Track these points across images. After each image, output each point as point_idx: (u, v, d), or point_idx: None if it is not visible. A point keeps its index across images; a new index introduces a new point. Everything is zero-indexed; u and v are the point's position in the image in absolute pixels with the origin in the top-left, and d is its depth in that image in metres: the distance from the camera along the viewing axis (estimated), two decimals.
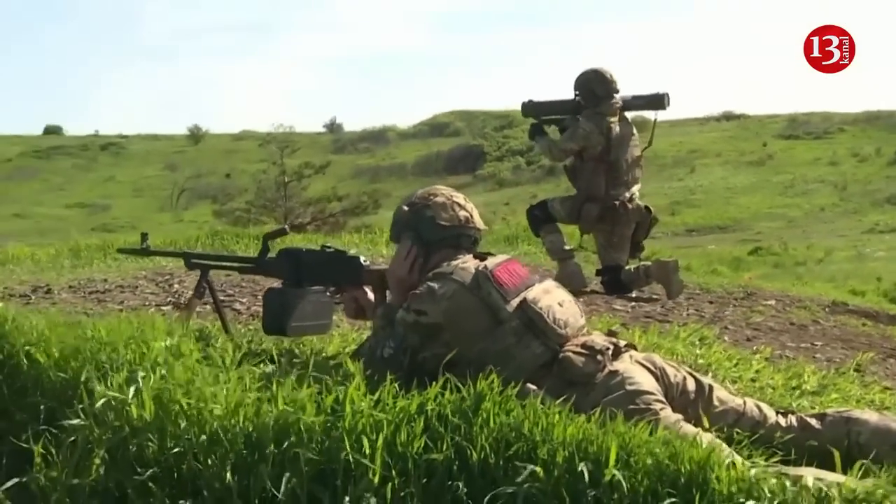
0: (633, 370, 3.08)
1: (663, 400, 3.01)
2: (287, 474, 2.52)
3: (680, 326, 5.07)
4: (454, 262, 3.25)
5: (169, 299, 5.27)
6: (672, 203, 36.39)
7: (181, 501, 2.58)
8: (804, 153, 46.08)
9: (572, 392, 2.90)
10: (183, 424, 2.70)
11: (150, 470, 2.64)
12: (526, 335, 3.11)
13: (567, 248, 6.85)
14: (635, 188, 6.74)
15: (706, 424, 3.00)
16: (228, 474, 2.58)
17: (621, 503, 2.38)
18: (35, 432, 2.90)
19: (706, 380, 3.27)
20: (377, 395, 2.69)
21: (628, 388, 2.98)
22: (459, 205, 3.44)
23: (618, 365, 3.09)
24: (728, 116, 58.79)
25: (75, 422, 2.81)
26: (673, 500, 2.36)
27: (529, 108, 6.96)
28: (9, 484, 2.83)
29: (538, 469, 2.45)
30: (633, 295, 6.65)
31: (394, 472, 2.50)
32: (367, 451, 2.53)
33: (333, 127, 70.85)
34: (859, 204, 34.70)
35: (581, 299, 6.02)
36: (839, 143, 47.41)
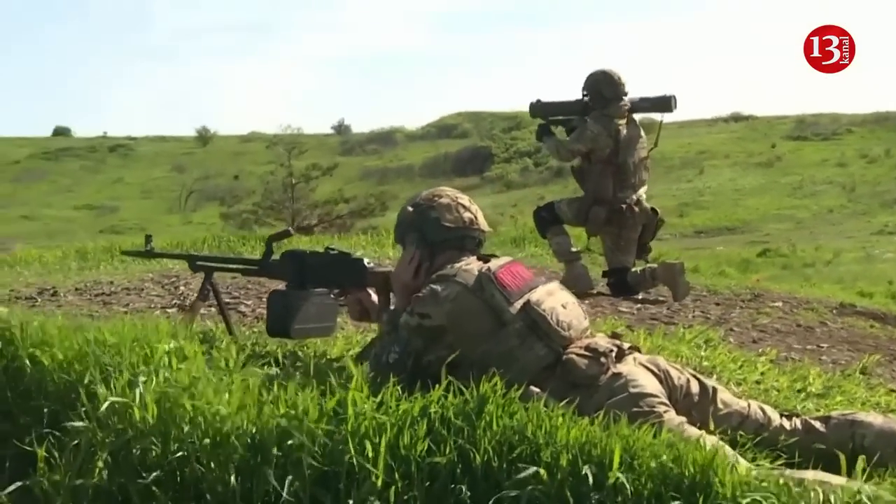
0: (637, 372, 3.07)
1: (667, 402, 3.00)
2: (290, 477, 2.52)
3: (685, 328, 5.05)
4: (457, 265, 3.25)
5: (174, 301, 5.27)
6: (680, 204, 36.30)
7: None
8: (812, 154, 45.92)
9: (576, 394, 2.90)
10: (186, 427, 2.70)
11: (154, 473, 2.65)
12: (529, 337, 3.11)
13: (574, 249, 6.84)
14: (642, 190, 6.73)
15: (710, 427, 2.99)
16: (231, 477, 2.58)
17: None
18: (38, 435, 2.90)
19: (710, 382, 3.27)
20: (380, 397, 2.69)
21: (632, 390, 2.97)
22: (464, 206, 3.44)
23: (621, 367, 3.08)
24: (736, 118, 58.62)
25: (78, 425, 2.82)
26: (677, 503, 2.36)
27: (537, 108, 6.95)
28: (12, 487, 2.84)
29: (542, 472, 2.45)
30: (640, 297, 6.64)
31: (397, 476, 2.51)
32: (370, 455, 2.54)
33: (341, 128, 70.91)
34: (868, 205, 34.56)
35: (587, 301, 6.03)
36: (848, 144, 47.24)
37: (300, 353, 3.71)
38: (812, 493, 2.38)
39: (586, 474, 2.42)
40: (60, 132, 75.39)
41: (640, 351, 3.30)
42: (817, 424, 3.09)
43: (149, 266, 6.90)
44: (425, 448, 2.56)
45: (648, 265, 6.79)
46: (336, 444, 2.58)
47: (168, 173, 58.52)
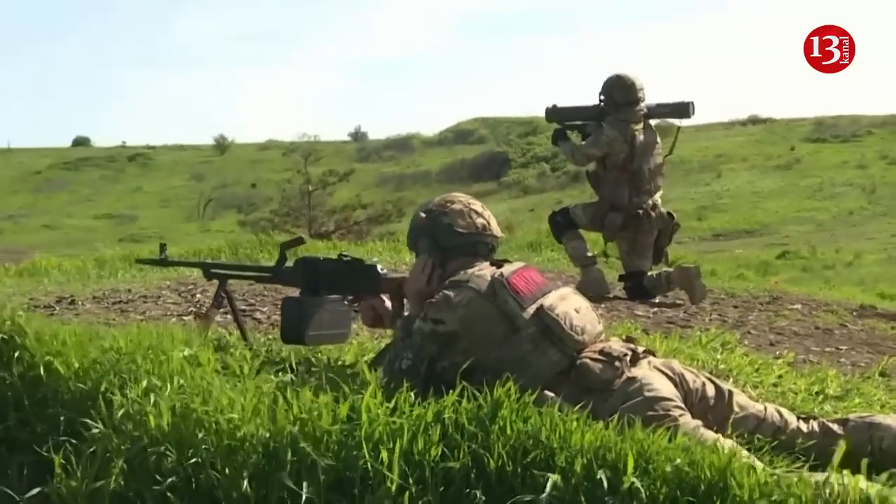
0: (652, 376, 3.05)
1: (682, 406, 2.98)
2: (304, 483, 2.53)
3: (702, 332, 5.03)
4: (470, 270, 3.24)
5: (190, 309, 5.29)
6: (699, 208, 36.18)
7: None
8: (832, 156, 45.69)
9: (590, 399, 2.88)
10: (200, 434, 2.71)
11: (169, 479, 2.66)
12: (543, 342, 3.09)
13: (590, 254, 6.83)
14: (657, 195, 6.72)
15: (727, 430, 2.97)
16: (246, 483, 2.59)
17: None
18: (55, 443, 2.92)
19: (726, 385, 3.25)
20: (393, 402, 2.69)
21: (647, 394, 2.96)
22: (477, 212, 3.43)
23: (636, 371, 3.06)
24: (754, 120, 58.37)
25: (95, 432, 2.84)
26: None
27: (553, 112, 6.95)
28: (31, 493, 2.86)
29: (556, 477, 2.44)
30: (657, 300, 6.61)
31: (411, 481, 2.50)
32: (385, 460, 2.53)
33: (358, 135, 71.02)
34: (888, 207, 34.32)
35: (603, 305, 6.02)
36: (867, 145, 46.95)
37: (314, 360, 3.71)
38: (829, 496, 2.37)
39: (601, 479, 2.41)
40: (80, 142, 75.91)
41: (654, 354, 3.29)
42: (835, 427, 3.07)
43: (166, 274, 6.93)
44: (439, 453, 2.56)
45: (664, 269, 6.77)
46: (350, 449, 2.58)
47: (186, 182, 58.77)
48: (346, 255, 3.73)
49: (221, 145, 68.23)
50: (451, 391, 2.75)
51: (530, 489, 2.45)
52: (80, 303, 5.65)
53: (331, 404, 2.69)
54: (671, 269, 6.72)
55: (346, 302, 3.67)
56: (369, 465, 2.53)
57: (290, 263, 3.84)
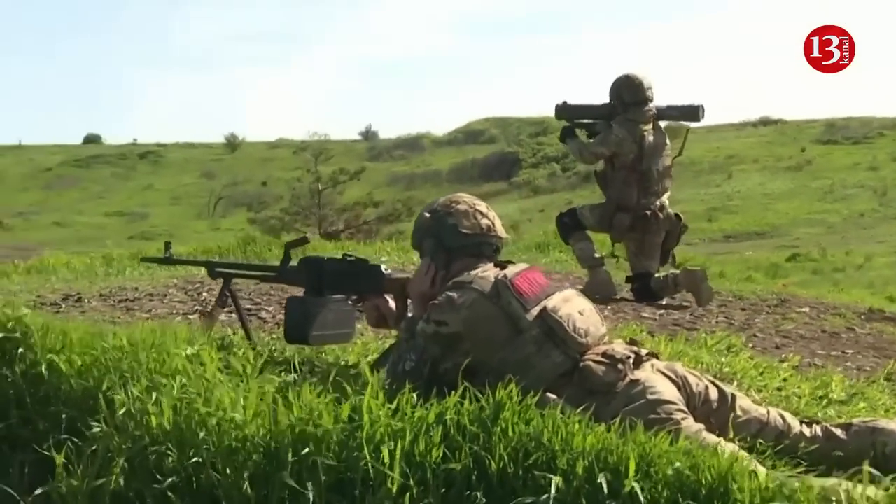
0: (655, 379, 3.04)
1: (685, 409, 2.97)
2: (306, 483, 2.52)
3: (707, 334, 5.01)
4: (474, 272, 3.23)
5: (196, 308, 5.30)
6: (709, 209, 36.10)
7: None
8: (843, 158, 45.53)
9: (592, 401, 2.88)
10: (202, 434, 2.71)
11: (170, 479, 2.67)
12: (546, 344, 3.09)
13: (597, 255, 6.80)
14: (665, 197, 6.69)
15: (729, 434, 2.96)
16: (247, 484, 2.59)
17: None
18: (57, 441, 2.92)
19: (729, 389, 3.24)
20: (395, 404, 2.68)
21: (649, 397, 2.95)
22: (481, 213, 3.43)
23: (639, 374, 3.06)
24: (765, 121, 58.20)
25: (96, 431, 2.84)
26: None
27: (563, 109, 6.93)
28: (35, 493, 2.86)
29: (557, 479, 2.43)
30: (664, 302, 6.60)
31: (412, 482, 2.50)
32: (386, 461, 2.53)
33: (368, 134, 71.07)
34: None
35: (609, 307, 6.00)
36: (879, 147, 46.77)
37: (316, 360, 3.71)
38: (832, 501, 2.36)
39: (602, 482, 2.41)
40: (91, 139, 76.11)
41: (658, 357, 3.28)
42: (838, 432, 3.05)
43: (173, 272, 6.95)
44: (441, 454, 2.55)
45: (671, 271, 6.75)
46: (351, 450, 2.58)
47: (197, 180, 58.88)
48: (350, 255, 3.73)
49: (232, 143, 68.33)
50: (453, 392, 2.74)
51: (532, 491, 2.45)
52: (86, 300, 5.66)
53: (332, 405, 2.69)
54: (678, 272, 6.70)
55: (349, 302, 3.67)
56: (370, 465, 2.53)
57: (294, 263, 3.84)
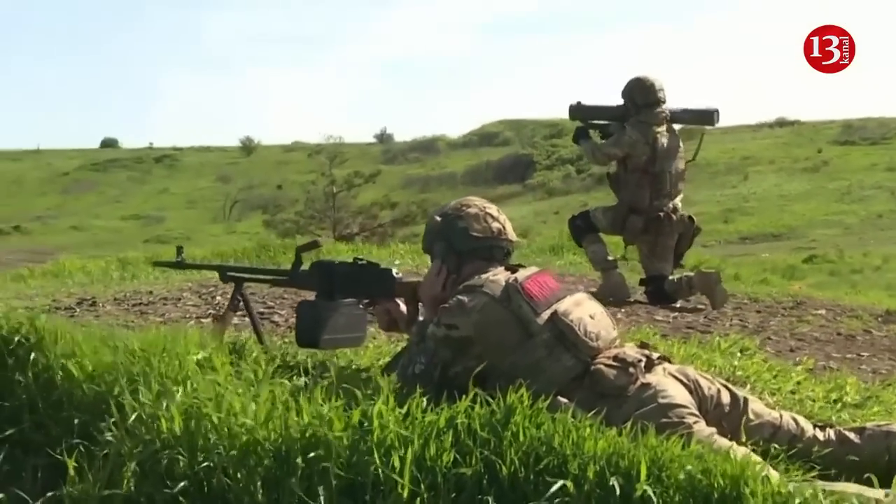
0: (666, 383, 3.03)
1: (697, 413, 2.96)
2: (316, 488, 2.52)
3: (721, 337, 4.98)
4: (484, 275, 3.23)
5: (209, 311, 5.30)
6: (725, 211, 35.99)
7: None
8: (860, 159, 45.31)
9: (604, 405, 2.87)
10: (213, 438, 2.71)
11: (181, 484, 2.67)
12: (557, 348, 3.08)
13: (610, 258, 6.79)
14: (678, 199, 6.67)
15: (742, 438, 2.94)
16: (258, 488, 2.59)
17: None
18: (69, 446, 2.93)
19: (741, 392, 3.22)
20: (405, 408, 2.68)
21: (661, 400, 2.94)
22: (492, 216, 3.42)
23: (650, 377, 3.04)
24: (781, 123, 58.00)
25: (107, 435, 2.84)
26: None
27: (577, 110, 6.92)
28: (48, 496, 2.87)
29: (569, 484, 2.42)
30: (678, 305, 6.57)
31: (423, 487, 2.50)
32: (396, 466, 2.53)
33: (383, 137, 71.23)
34: None
35: (623, 309, 5.98)
36: None
37: (329, 364, 3.71)
38: None
39: (613, 486, 2.40)
40: (108, 144, 76.63)
41: (670, 361, 3.26)
42: (851, 435, 3.03)
43: (188, 276, 6.96)
44: (451, 459, 2.55)
45: (685, 274, 6.73)
46: (362, 454, 2.58)
47: (213, 183, 59.12)
48: (361, 259, 3.73)
49: (247, 147, 68.60)
50: (464, 396, 2.73)
51: (543, 496, 2.44)
52: (100, 304, 5.68)
53: (342, 410, 2.69)
54: (692, 274, 6.68)
55: (361, 306, 3.67)
56: (381, 470, 2.53)
57: (305, 267, 3.84)
